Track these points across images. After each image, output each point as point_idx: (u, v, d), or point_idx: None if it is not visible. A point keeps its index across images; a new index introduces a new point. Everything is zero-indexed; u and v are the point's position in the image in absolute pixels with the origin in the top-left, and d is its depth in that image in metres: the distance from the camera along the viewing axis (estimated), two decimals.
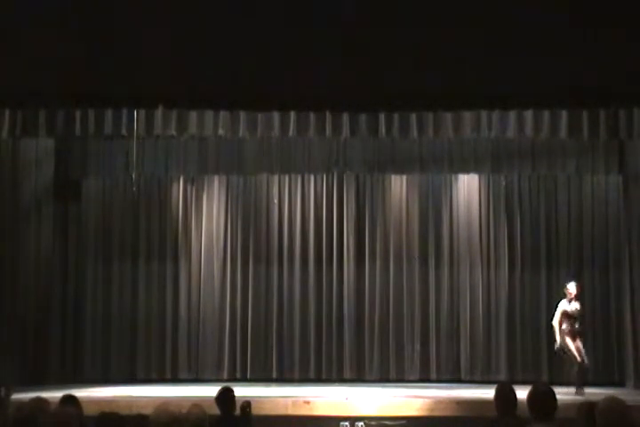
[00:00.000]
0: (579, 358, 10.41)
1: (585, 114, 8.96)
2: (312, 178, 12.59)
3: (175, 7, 8.74)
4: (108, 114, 9.15)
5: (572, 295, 10.60)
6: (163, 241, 12.51)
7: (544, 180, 12.32)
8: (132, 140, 10.37)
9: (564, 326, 10.51)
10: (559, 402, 4.28)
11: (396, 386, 11.22)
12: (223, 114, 9.22)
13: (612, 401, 3.97)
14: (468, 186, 12.49)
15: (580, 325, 10.62)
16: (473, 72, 8.61)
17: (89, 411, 5.53)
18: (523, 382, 9.85)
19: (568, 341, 10.46)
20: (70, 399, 5.66)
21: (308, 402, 9.12)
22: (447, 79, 8.63)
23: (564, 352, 10.54)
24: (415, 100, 8.88)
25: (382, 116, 9.10)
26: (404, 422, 8.77)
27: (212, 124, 9.27)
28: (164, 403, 5.00)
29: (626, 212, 11.79)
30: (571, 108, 8.98)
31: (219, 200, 12.64)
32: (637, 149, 11.30)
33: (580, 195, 12.33)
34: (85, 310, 12.20)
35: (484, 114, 9.16)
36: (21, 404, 5.22)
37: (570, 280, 10.92)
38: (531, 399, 4.25)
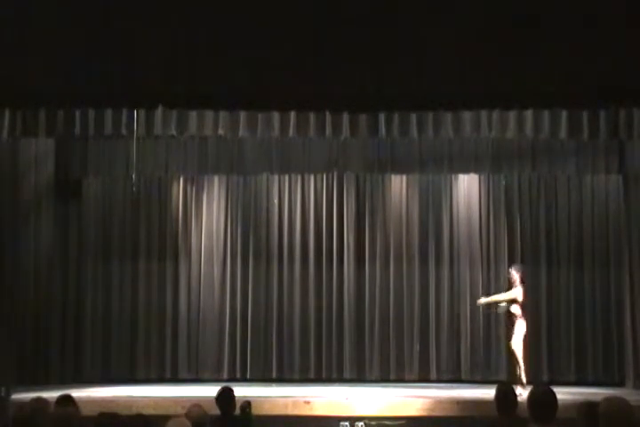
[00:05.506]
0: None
1: (585, 114, 8.96)
2: (312, 178, 12.59)
3: (175, 7, 8.74)
4: (108, 114, 9.14)
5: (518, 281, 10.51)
6: (163, 241, 12.51)
7: (544, 180, 12.32)
8: (132, 141, 10.37)
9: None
10: (559, 402, 4.27)
11: (396, 386, 11.22)
12: (223, 114, 9.21)
13: (615, 401, 3.95)
14: (468, 186, 12.49)
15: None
16: (473, 72, 8.61)
17: (89, 411, 5.53)
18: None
19: (522, 331, 10.32)
20: (67, 399, 5.66)
21: (308, 402, 9.13)
22: (447, 79, 8.63)
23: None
24: (415, 100, 8.88)
25: (382, 116, 9.09)
26: (403, 422, 8.78)
27: (212, 124, 9.25)
28: (196, 404, 5.09)
29: (626, 212, 11.79)
30: (571, 108, 8.97)
31: (219, 200, 12.64)
32: (637, 149, 11.29)
33: (580, 195, 12.33)
34: (85, 309, 12.21)
35: (483, 114, 9.15)
36: (21, 404, 5.22)
37: (513, 266, 10.95)
38: (530, 400, 4.22)
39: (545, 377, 11.61)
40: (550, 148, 11.57)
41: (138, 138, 10.18)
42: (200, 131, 9.42)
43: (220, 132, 9.39)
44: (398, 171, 12.20)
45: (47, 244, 11.94)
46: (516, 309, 10.36)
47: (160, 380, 11.98)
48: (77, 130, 9.20)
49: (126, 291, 12.38)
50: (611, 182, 12.16)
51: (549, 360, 11.94)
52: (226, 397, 6.10)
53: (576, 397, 8.94)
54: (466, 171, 12.13)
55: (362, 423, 8.78)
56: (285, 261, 12.46)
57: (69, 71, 8.68)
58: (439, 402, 9.23)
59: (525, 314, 10.38)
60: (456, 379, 11.95)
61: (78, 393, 7.54)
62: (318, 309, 12.33)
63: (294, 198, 12.62)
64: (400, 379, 11.95)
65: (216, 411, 5.97)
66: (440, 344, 12.20)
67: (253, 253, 12.49)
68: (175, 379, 12.03)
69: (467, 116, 9.15)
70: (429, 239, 12.41)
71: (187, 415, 5.13)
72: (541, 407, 4.18)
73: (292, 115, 9.13)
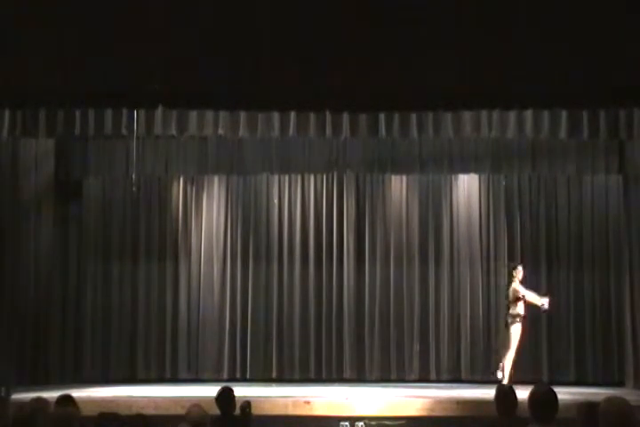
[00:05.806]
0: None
1: (585, 114, 8.96)
2: (312, 178, 12.59)
3: (175, 7, 8.74)
4: (108, 114, 9.14)
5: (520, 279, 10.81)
6: (163, 241, 12.51)
7: (544, 180, 12.32)
8: (132, 140, 10.37)
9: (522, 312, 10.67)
10: (559, 402, 4.26)
11: (396, 386, 11.21)
12: (223, 114, 9.22)
13: (615, 401, 3.94)
14: (468, 186, 12.49)
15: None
16: (473, 72, 8.61)
17: (89, 411, 5.53)
18: (523, 382, 9.93)
19: (518, 327, 10.61)
20: (67, 399, 5.66)
21: (308, 402, 9.12)
22: (447, 79, 8.63)
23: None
24: (415, 100, 8.89)
25: (382, 116, 9.10)
26: (403, 422, 8.77)
27: (212, 124, 9.26)
28: (196, 404, 5.10)
29: (626, 212, 11.78)
30: (571, 108, 8.97)
31: (219, 200, 12.64)
32: (637, 149, 11.29)
33: (580, 195, 12.33)
34: (85, 309, 12.21)
35: (484, 114, 9.15)
36: (21, 404, 5.22)
37: (518, 264, 11.13)
38: (531, 400, 4.21)
39: (545, 377, 11.61)
40: (550, 148, 11.57)
41: (138, 138, 10.18)
42: (200, 131, 9.43)
43: (220, 132, 9.39)
44: (398, 171, 12.21)
45: (47, 243, 11.94)
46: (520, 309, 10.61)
47: (160, 380, 11.97)
48: (77, 130, 9.21)
49: (126, 291, 12.38)
50: (611, 182, 12.16)
51: (549, 360, 11.94)
52: (226, 397, 6.10)
53: (576, 397, 8.94)
54: (466, 171, 12.13)
55: (362, 423, 8.78)
56: (285, 261, 12.46)
57: (69, 71, 8.67)
58: (439, 402, 9.22)
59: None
60: (456, 379, 11.95)
61: (78, 393, 7.54)
62: (318, 309, 12.33)
63: (294, 198, 12.61)
64: (400, 379, 11.95)
65: (216, 411, 5.97)
66: (440, 344, 12.20)
67: (253, 253, 12.49)
68: (175, 379, 12.03)
69: (467, 116, 9.16)
70: (429, 239, 12.41)
71: (187, 415, 5.13)
72: (542, 407, 4.17)
73: (292, 115, 9.13)
